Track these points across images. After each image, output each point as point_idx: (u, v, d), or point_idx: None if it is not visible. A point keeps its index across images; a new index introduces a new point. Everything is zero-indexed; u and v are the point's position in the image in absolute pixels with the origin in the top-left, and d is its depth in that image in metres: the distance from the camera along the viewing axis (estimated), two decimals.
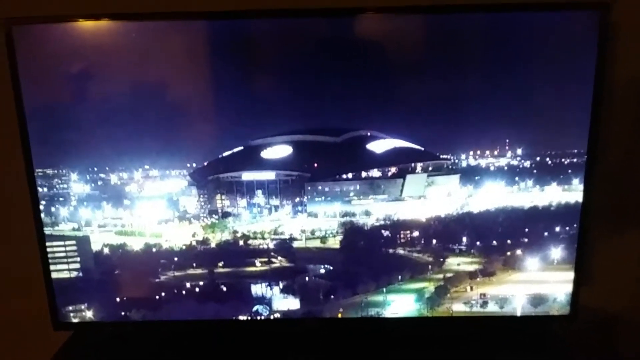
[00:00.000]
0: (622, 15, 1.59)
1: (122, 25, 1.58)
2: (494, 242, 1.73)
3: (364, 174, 1.75)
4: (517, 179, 1.70)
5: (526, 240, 1.71)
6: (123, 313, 1.78)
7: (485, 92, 1.61)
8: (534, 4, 1.53)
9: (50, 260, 1.70)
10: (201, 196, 1.76)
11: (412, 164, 1.74)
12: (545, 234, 1.70)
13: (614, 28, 1.57)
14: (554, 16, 1.55)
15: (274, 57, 1.60)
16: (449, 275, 1.75)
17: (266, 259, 1.78)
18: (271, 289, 1.80)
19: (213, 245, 1.76)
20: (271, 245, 1.76)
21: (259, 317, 1.79)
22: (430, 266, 1.76)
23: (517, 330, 1.77)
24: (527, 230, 1.71)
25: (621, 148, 1.80)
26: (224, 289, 1.79)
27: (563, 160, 1.66)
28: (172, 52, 1.60)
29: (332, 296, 1.78)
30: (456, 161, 1.72)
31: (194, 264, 1.77)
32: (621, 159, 1.81)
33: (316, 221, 1.75)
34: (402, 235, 1.75)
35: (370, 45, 1.58)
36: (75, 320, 1.78)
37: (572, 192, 1.65)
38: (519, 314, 1.76)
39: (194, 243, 1.76)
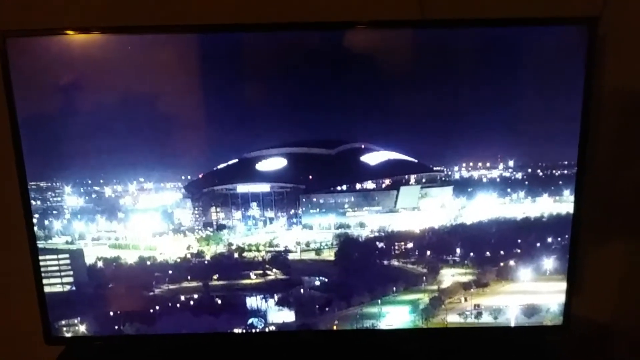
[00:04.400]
0: (610, 29, 1.62)
1: (115, 38, 1.59)
2: (487, 253, 1.75)
3: (358, 186, 1.76)
4: (509, 190, 1.72)
5: (519, 251, 1.73)
6: (116, 327, 1.76)
7: (477, 105, 1.63)
8: (524, 19, 1.56)
9: (43, 274, 1.68)
10: (196, 209, 1.76)
11: (406, 176, 1.75)
12: (538, 244, 1.72)
13: (601, 41, 1.60)
14: (543, 31, 1.57)
15: (269, 70, 1.61)
16: (443, 286, 1.76)
17: (261, 272, 1.77)
18: (266, 301, 1.79)
19: (208, 257, 1.75)
20: (266, 258, 1.76)
21: (254, 330, 1.78)
22: (424, 277, 1.76)
23: (511, 341, 1.78)
24: (519, 241, 1.73)
25: (611, 159, 1.82)
26: (219, 301, 1.78)
27: (554, 171, 1.68)
28: (167, 65, 1.61)
29: (327, 308, 1.77)
30: (449, 173, 1.74)
31: (189, 277, 1.76)
32: (611, 169, 1.83)
33: (311, 233, 1.76)
34: (396, 247, 1.76)
35: (363, 59, 1.59)
36: (67, 335, 1.76)
37: (563, 203, 1.67)
38: (512, 325, 1.77)
39: (188, 256, 1.76)
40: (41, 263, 1.68)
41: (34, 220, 1.66)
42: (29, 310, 1.73)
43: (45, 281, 1.69)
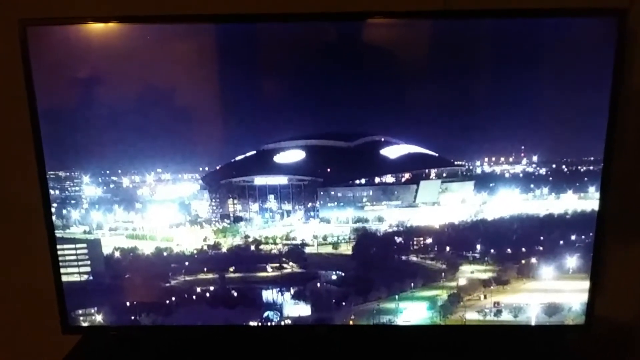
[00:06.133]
0: (639, 21, 1.57)
1: (135, 28, 1.58)
2: (509, 250, 1.71)
3: (377, 180, 1.74)
4: (532, 186, 1.69)
5: (541, 248, 1.70)
6: (133, 317, 1.77)
7: (501, 98, 1.60)
8: (551, 11, 1.52)
9: (60, 263, 1.69)
10: (213, 200, 1.75)
11: (426, 170, 1.72)
12: (561, 242, 1.68)
13: (630, 34, 1.55)
14: (570, 22, 1.53)
15: (288, 62, 1.59)
16: (462, 283, 1.73)
17: (277, 265, 1.76)
18: (282, 294, 1.78)
19: (224, 249, 1.75)
20: (283, 251, 1.75)
21: (269, 323, 1.77)
22: (443, 274, 1.74)
23: (531, 340, 1.75)
24: (542, 238, 1.69)
25: (638, 155, 1.77)
26: (235, 294, 1.77)
27: (579, 167, 1.64)
28: (186, 56, 1.60)
29: (343, 303, 1.76)
30: (471, 168, 1.71)
31: (205, 269, 1.76)
32: (638, 166, 1.79)
33: (328, 227, 1.74)
34: (415, 242, 1.73)
35: (384, 50, 1.57)
36: (84, 324, 1.77)
37: (588, 200, 1.63)
38: (533, 323, 1.73)
39: (205, 247, 1.75)
40: (59, 252, 1.69)
41: (52, 210, 1.66)
42: (47, 299, 1.74)
43: (62, 270, 1.70)
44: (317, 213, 1.74)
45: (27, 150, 1.61)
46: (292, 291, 1.78)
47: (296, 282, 1.77)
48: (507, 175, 1.68)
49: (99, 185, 1.69)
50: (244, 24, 1.57)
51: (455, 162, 1.72)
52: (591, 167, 1.60)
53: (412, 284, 1.75)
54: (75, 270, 1.72)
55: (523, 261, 1.71)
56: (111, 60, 1.58)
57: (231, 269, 1.76)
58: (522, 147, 1.66)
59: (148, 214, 1.73)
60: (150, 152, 1.65)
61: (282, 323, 1.77)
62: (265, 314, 1.77)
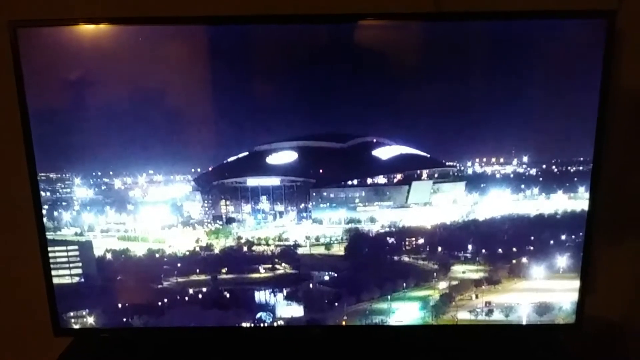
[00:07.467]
0: (627, 23, 1.59)
1: (127, 29, 1.58)
2: (500, 250, 1.72)
3: (369, 181, 1.74)
4: (523, 186, 1.70)
5: (532, 248, 1.71)
6: (125, 319, 1.76)
7: (492, 99, 1.61)
8: (540, 12, 1.53)
9: (52, 265, 1.68)
10: (205, 202, 1.75)
11: (418, 171, 1.73)
12: (551, 242, 1.69)
13: (619, 35, 1.57)
14: (560, 24, 1.55)
15: (280, 63, 1.60)
16: (454, 283, 1.74)
17: (270, 266, 1.76)
18: (275, 295, 1.78)
19: (217, 251, 1.74)
20: (275, 252, 1.75)
21: (262, 325, 1.77)
22: (435, 274, 1.74)
23: (522, 339, 1.76)
24: (532, 238, 1.71)
25: (627, 156, 1.80)
26: (228, 295, 1.77)
27: (569, 168, 1.66)
28: (178, 57, 1.60)
29: (336, 303, 1.76)
30: (462, 168, 1.72)
31: (198, 270, 1.76)
32: (627, 166, 1.81)
33: (321, 227, 1.74)
34: (407, 243, 1.74)
35: (376, 52, 1.58)
36: (76, 327, 1.76)
37: (578, 200, 1.64)
38: (524, 323, 1.75)
39: (197, 249, 1.75)
40: (50, 254, 1.68)
41: (44, 212, 1.65)
42: (38, 301, 1.72)
43: (54, 272, 1.69)
44: (310, 214, 1.74)
45: (18, 152, 1.60)
46: (285, 292, 1.78)
47: (289, 283, 1.77)
48: (498, 175, 1.70)
49: (91, 187, 1.69)
50: (236, 26, 1.57)
51: (447, 163, 1.72)
52: (581, 168, 1.62)
53: (404, 285, 1.75)
54: (67, 272, 1.71)
55: (514, 261, 1.72)
56: (102, 61, 1.58)
57: (224, 271, 1.76)
58: (513, 148, 1.67)
59: (140, 215, 1.72)
60: (142, 153, 1.65)
61: (275, 324, 1.77)
62: (258, 315, 1.77)
